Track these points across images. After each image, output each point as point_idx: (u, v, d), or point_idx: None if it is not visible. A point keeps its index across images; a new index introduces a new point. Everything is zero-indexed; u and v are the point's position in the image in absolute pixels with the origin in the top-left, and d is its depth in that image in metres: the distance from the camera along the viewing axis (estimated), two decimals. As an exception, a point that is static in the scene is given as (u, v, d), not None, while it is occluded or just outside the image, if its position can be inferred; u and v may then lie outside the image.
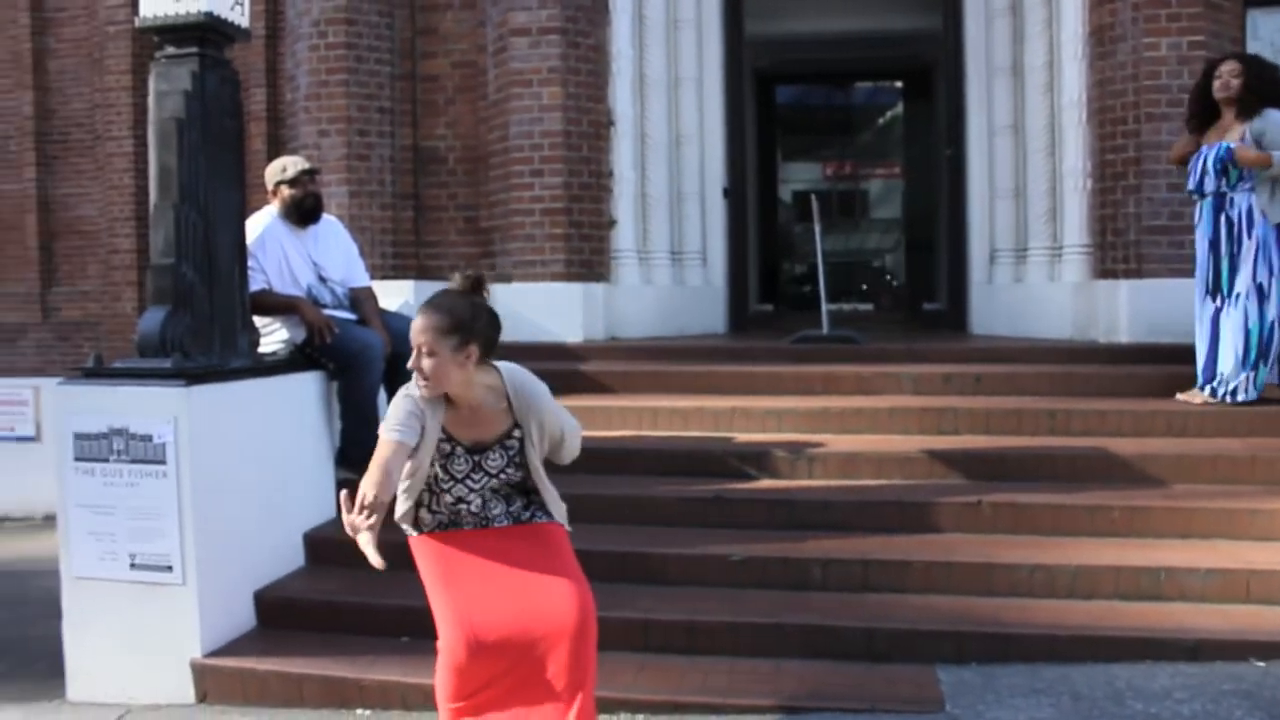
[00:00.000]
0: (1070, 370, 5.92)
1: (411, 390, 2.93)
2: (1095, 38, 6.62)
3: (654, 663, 3.96)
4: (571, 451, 3.12)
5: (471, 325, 2.84)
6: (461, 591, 2.96)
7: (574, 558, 3.07)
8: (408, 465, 2.93)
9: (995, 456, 5.05)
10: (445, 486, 3.03)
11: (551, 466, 3.17)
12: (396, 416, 2.91)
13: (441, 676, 2.99)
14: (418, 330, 2.82)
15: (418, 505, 3.08)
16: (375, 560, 2.65)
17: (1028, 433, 5.33)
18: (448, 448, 2.98)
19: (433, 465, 3.00)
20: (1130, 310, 6.38)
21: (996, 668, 3.84)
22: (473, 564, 2.99)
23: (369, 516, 2.64)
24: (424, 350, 2.82)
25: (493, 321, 2.94)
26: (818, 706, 3.63)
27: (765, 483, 5.01)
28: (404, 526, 3.12)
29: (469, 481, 3.00)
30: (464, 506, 3.05)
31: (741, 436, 5.41)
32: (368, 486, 2.71)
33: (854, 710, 3.60)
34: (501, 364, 3.01)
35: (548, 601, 2.90)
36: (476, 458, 2.98)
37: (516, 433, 2.97)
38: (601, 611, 3.95)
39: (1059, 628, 3.93)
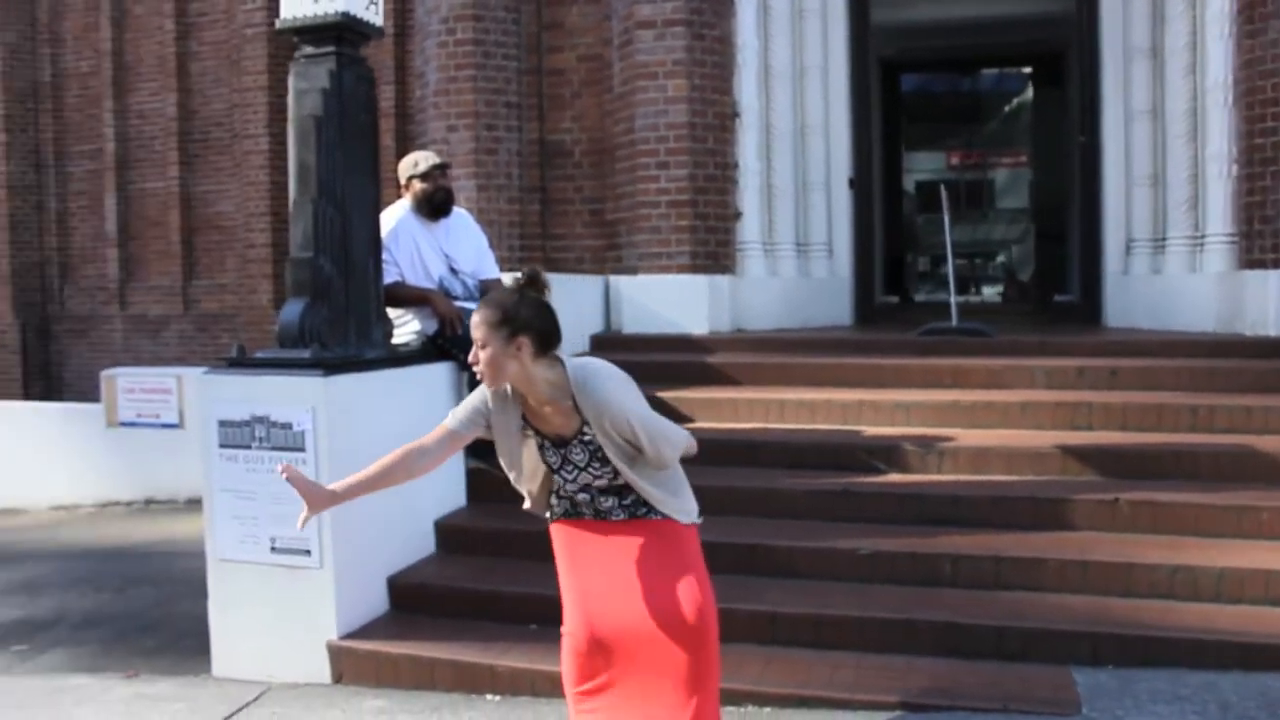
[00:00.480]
0: (1213, 364, 5.70)
1: (480, 397, 3.02)
2: (1244, 15, 6.31)
3: (781, 656, 3.96)
4: (661, 460, 2.95)
5: (518, 317, 2.84)
6: (583, 581, 3.02)
7: (698, 555, 3.04)
8: (503, 455, 3.03)
9: (1133, 453, 4.90)
10: (552, 473, 3.05)
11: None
12: (462, 405, 3.06)
13: (565, 660, 3.07)
14: (473, 326, 2.87)
15: (548, 493, 3.12)
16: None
17: (1167, 429, 5.15)
18: (536, 440, 3.01)
19: (527, 457, 3.04)
20: (1280, 302, 6.10)
21: (1135, 671, 3.74)
22: (595, 556, 3.02)
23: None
24: (479, 344, 2.86)
25: (543, 314, 2.91)
26: (949, 705, 3.58)
27: (894, 476, 4.95)
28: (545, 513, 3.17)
29: (564, 472, 3.00)
30: (577, 496, 3.05)
31: (869, 429, 5.35)
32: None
33: (986, 710, 3.55)
34: (573, 360, 2.96)
35: (663, 602, 2.91)
36: (562, 451, 2.97)
37: (587, 430, 2.92)
38: (728, 604, 3.98)
39: (1204, 632, 3.81)
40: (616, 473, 2.95)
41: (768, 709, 3.70)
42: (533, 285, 2.96)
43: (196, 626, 4.78)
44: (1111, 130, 7.45)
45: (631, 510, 3.02)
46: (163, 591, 5.72)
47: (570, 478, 2.99)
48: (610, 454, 2.91)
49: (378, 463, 3.06)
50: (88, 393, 11.81)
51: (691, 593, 2.91)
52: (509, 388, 2.95)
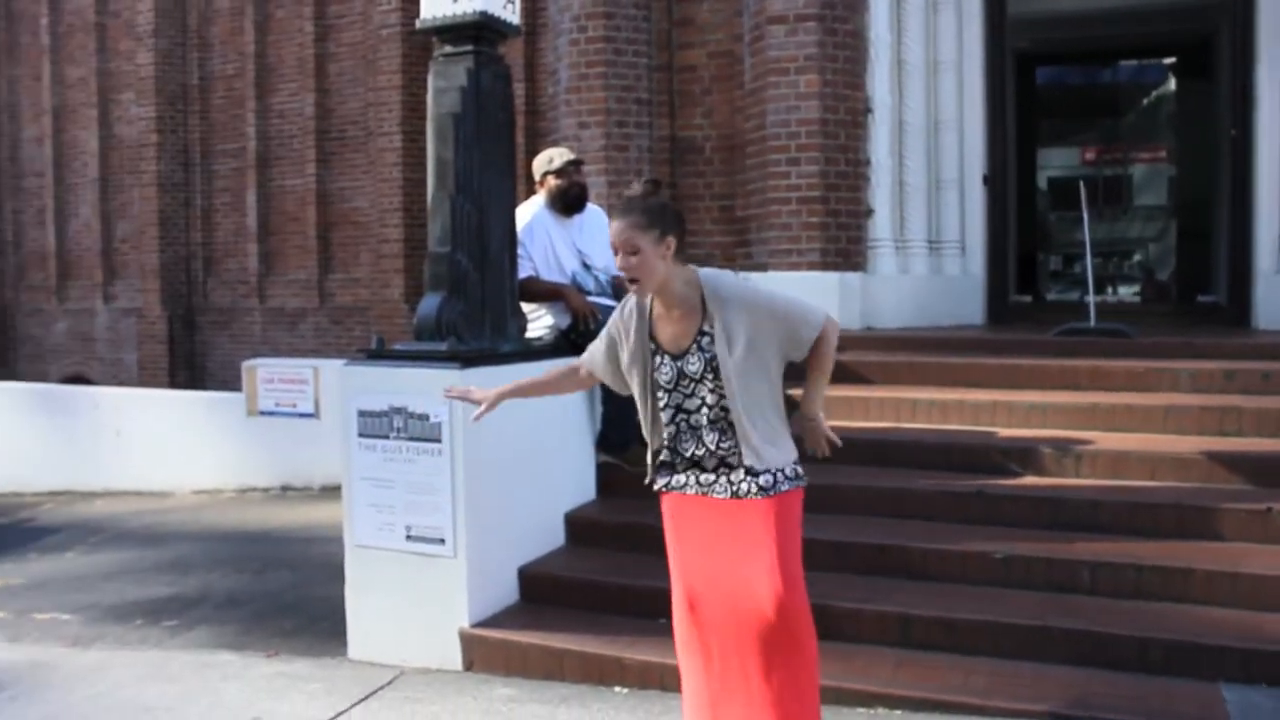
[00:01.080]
0: (1374, 369, 5.41)
1: (613, 323, 3.21)
2: None
3: (912, 659, 3.91)
4: (799, 342, 3.05)
5: (665, 218, 2.99)
6: (685, 553, 3.12)
7: (794, 536, 3.05)
8: (635, 384, 3.18)
9: (1287, 461, 4.68)
10: (660, 405, 3.12)
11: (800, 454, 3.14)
12: (593, 346, 3.33)
13: (675, 624, 3.16)
14: (617, 233, 2.97)
15: (655, 454, 3.20)
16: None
17: (1325, 437, 4.91)
18: (656, 359, 3.10)
19: (647, 381, 3.13)
20: None
21: (1291, 691, 3.57)
22: (696, 532, 3.10)
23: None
24: (627, 250, 2.95)
25: (680, 217, 3.09)
26: (1088, 716, 3.49)
27: (1029, 480, 4.83)
28: (656, 482, 3.23)
29: (678, 391, 3.06)
30: (682, 441, 3.10)
31: (1003, 431, 5.22)
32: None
33: (1127, 722, 3.44)
34: (698, 268, 3.11)
35: (746, 588, 2.96)
36: (678, 364, 3.05)
37: (707, 328, 3.01)
38: (859, 604, 3.97)
39: (1370, 651, 3.62)
40: (722, 397, 3.00)
41: (898, 712, 3.65)
42: (655, 193, 3.11)
43: (331, 609, 4.94)
44: (1267, 122, 7.11)
45: (735, 489, 3.04)
46: (299, 575, 5.92)
47: (687, 392, 3.05)
48: (723, 350, 2.97)
49: (541, 374, 3.58)
50: (229, 382, 12.26)
51: (773, 585, 2.92)
52: (642, 302, 3.10)
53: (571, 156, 5.28)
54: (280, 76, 12.89)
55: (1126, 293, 21.80)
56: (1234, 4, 7.58)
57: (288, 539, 6.83)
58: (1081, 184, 7.62)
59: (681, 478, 3.14)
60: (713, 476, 3.09)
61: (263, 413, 8.61)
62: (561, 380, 3.50)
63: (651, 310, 3.10)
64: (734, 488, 3.05)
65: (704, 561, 3.06)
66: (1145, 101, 26.12)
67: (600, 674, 4.08)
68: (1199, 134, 12.72)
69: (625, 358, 3.18)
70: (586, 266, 5.29)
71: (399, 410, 4.41)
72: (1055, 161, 26.36)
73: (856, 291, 7.04)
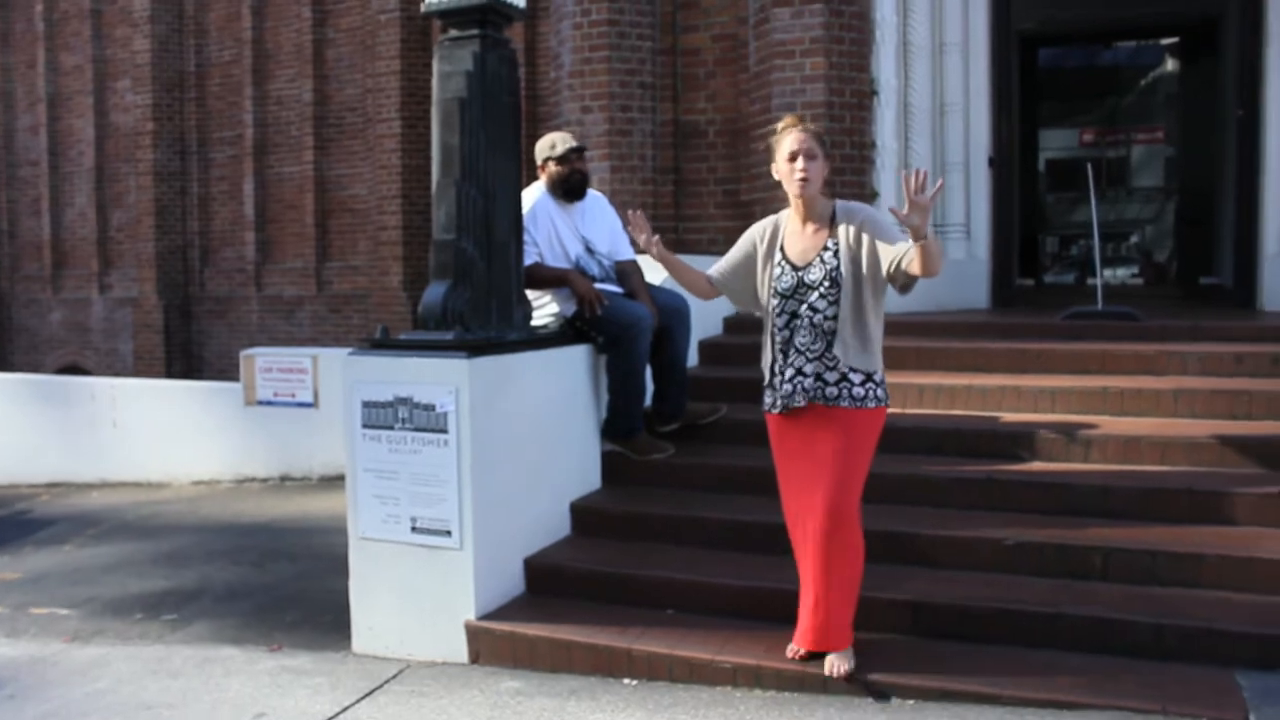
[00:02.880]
0: (1384, 351, 5.37)
1: (751, 236, 3.92)
2: None
3: (924, 647, 3.87)
4: (904, 246, 3.55)
5: (824, 141, 3.78)
6: (782, 465, 3.85)
7: (864, 450, 3.71)
8: (761, 289, 3.84)
9: (1298, 445, 4.63)
10: (775, 310, 3.75)
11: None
12: (725, 259, 4.01)
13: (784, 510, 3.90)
14: (801, 139, 3.67)
15: (770, 368, 3.80)
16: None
17: (1337, 420, 4.87)
18: (779, 270, 3.75)
19: (768, 290, 3.79)
20: None
21: (1307, 677, 3.54)
22: (790, 448, 3.78)
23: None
24: (808, 155, 3.66)
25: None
26: (1102, 704, 3.46)
27: (1039, 465, 4.79)
28: (765, 401, 3.85)
29: (795, 297, 3.69)
30: (790, 345, 3.71)
31: (1012, 416, 5.18)
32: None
33: (1143, 711, 3.41)
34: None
35: (811, 500, 3.66)
36: (799, 273, 3.71)
37: (832, 243, 3.69)
38: (870, 592, 3.93)
39: (1386, 637, 3.58)
40: (835, 305, 3.65)
41: (911, 701, 3.61)
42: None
43: (334, 602, 4.89)
44: (1274, 103, 7.05)
45: (828, 396, 3.66)
46: (300, 567, 5.86)
47: (801, 298, 3.68)
48: (844, 268, 3.65)
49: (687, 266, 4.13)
50: (226, 371, 12.24)
51: (828, 497, 3.63)
52: (778, 221, 3.85)
53: (574, 143, 5.21)
54: (278, 63, 12.83)
55: (1125, 274, 21.78)
56: (1242, -17, 7.52)
57: (288, 530, 6.77)
58: (1089, 166, 7.57)
59: (788, 387, 3.70)
60: (811, 379, 3.66)
61: (261, 402, 8.54)
62: (696, 278, 4.06)
63: (784, 228, 3.80)
64: (828, 390, 3.66)
65: (793, 469, 3.76)
66: (1143, 83, 26.06)
67: (609, 666, 4.04)
68: (1200, 114, 12.63)
69: (758, 263, 3.82)
70: (590, 251, 5.23)
71: (404, 401, 4.36)
72: (1054, 143, 26.30)
73: (861, 275, 6.95)
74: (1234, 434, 4.72)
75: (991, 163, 7.68)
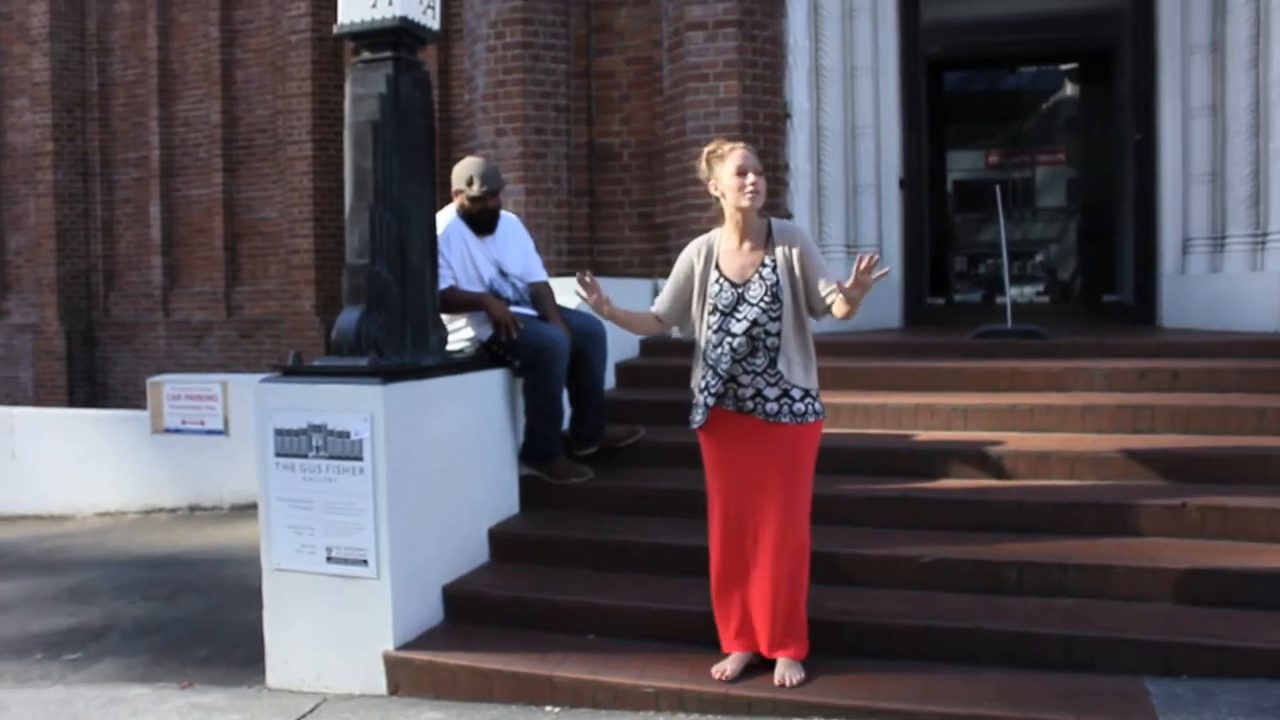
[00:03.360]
0: (1278, 366, 5.56)
1: (687, 257, 3.94)
2: (1311, 8, 6.19)
3: (845, 665, 3.89)
4: (817, 300, 3.77)
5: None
6: (719, 478, 3.87)
7: (809, 463, 3.83)
8: (697, 309, 3.88)
9: (1198, 457, 4.78)
10: (713, 328, 3.77)
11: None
12: (665, 289, 4.03)
13: (710, 524, 3.94)
14: (747, 156, 3.77)
15: (699, 390, 3.83)
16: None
17: (1233, 432, 5.03)
18: (716, 287, 3.79)
19: (704, 307, 3.83)
20: (1344, 301, 5.96)
21: (1212, 683, 3.63)
22: (729, 457, 3.82)
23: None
24: (755, 170, 3.75)
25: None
26: (1019, 716, 3.49)
27: (953, 482, 4.86)
28: (693, 416, 3.87)
29: (735, 314, 3.73)
30: (725, 362, 3.73)
31: (926, 434, 5.27)
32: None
33: (1059, 721, 3.46)
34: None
35: (757, 511, 3.77)
36: (738, 290, 3.76)
37: (769, 259, 3.76)
38: (791, 612, 3.92)
39: (1283, 641, 3.69)
40: (777, 321, 3.71)
41: (834, 720, 3.63)
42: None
43: (248, 636, 4.77)
44: (1169, 127, 7.32)
45: (769, 413, 3.73)
46: (212, 600, 5.71)
47: (739, 316, 3.72)
48: (784, 285, 3.73)
49: (631, 312, 4.14)
50: (132, 399, 11.91)
51: (777, 513, 3.77)
52: (711, 240, 3.89)
53: (493, 187, 5.12)
54: (185, 83, 12.57)
55: (1031, 292, 22.29)
56: (1136, 14, 7.78)
57: (198, 562, 6.60)
58: (997, 188, 7.75)
59: (725, 402, 3.77)
60: (749, 392, 3.74)
61: (169, 430, 8.35)
62: (644, 320, 4.11)
63: (719, 246, 3.84)
64: (768, 405, 3.73)
65: (736, 482, 3.80)
66: (1044, 106, 26.77)
67: (530, 693, 3.99)
68: (1100, 138, 13.03)
69: (696, 284, 3.86)
70: (503, 274, 5.19)
71: (318, 428, 4.28)
72: (961, 165, 26.88)
73: (774, 296, 7.01)
74: (1138, 448, 4.85)
75: (902, 184, 7.83)
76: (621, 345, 6.39)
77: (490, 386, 5.00)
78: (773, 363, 3.73)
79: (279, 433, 4.36)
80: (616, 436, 5.39)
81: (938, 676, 3.78)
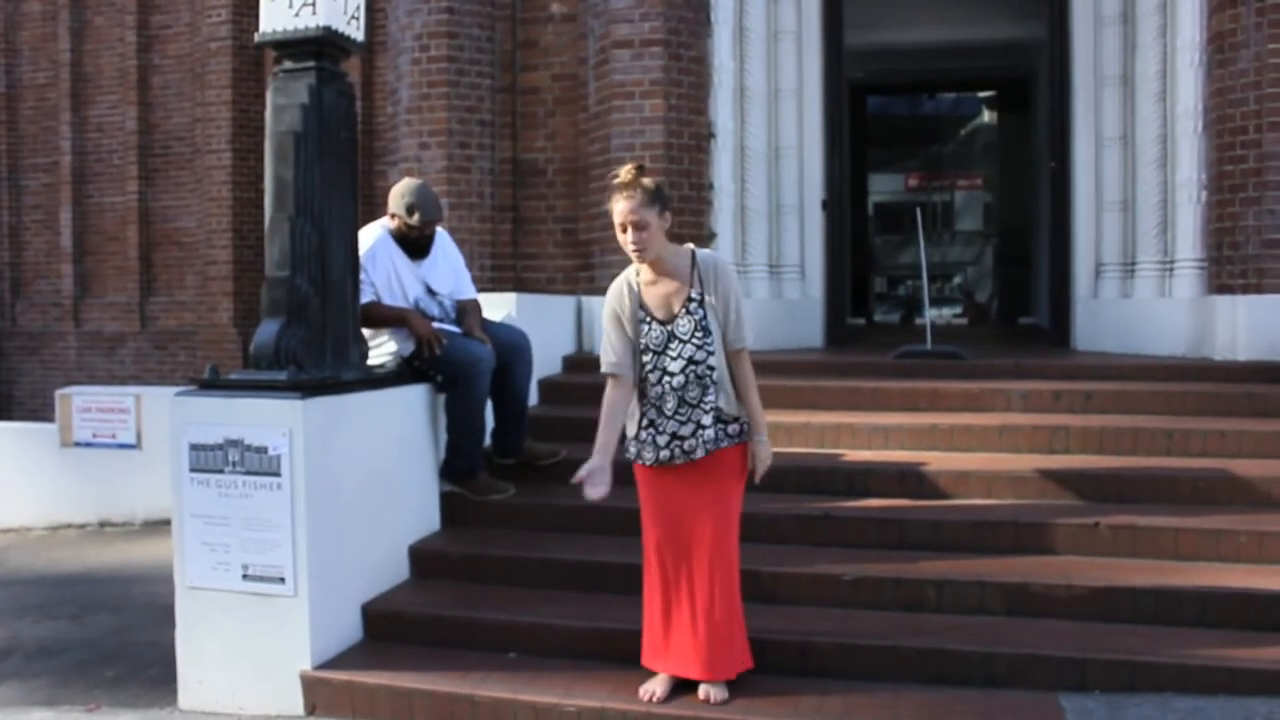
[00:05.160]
0: (1186, 389, 5.73)
1: (611, 306, 3.75)
2: (1214, 45, 6.41)
3: (768, 684, 3.89)
4: (740, 336, 3.69)
5: (662, 195, 3.66)
6: (655, 502, 3.78)
7: (736, 487, 3.78)
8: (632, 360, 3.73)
9: (1111, 476, 4.90)
10: (647, 368, 3.69)
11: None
12: (606, 346, 3.75)
13: (645, 557, 3.86)
14: (628, 212, 3.57)
15: (641, 424, 3.73)
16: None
17: (1144, 452, 5.17)
18: (645, 326, 3.69)
19: (639, 347, 3.70)
20: (1249, 327, 6.16)
21: (1123, 697, 3.72)
22: (664, 497, 3.74)
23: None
24: (637, 226, 3.57)
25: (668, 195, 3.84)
26: (939, 733, 3.54)
27: (874, 501, 4.92)
28: (628, 448, 3.79)
29: (668, 353, 3.65)
30: (664, 400, 3.66)
31: (848, 453, 5.32)
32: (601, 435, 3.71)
33: (977, 738, 3.51)
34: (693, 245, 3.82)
35: (692, 533, 3.72)
36: (669, 328, 3.66)
37: (695, 294, 3.65)
38: (714, 630, 3.92)
39: (1188, 656, 3.79)
40: (712, 354, 3.64)
41: (756, 738, 3.64)
42: (643, 173, 3.67)
43: (159, 655, 4.65)
44: (1082, 156, 7.53)
45: (708, 443, 3.65)
46: (122, 619, 5.55)
47: (673, 354, 3.64)
48: (713, 318, 3.64)
49: (608, 421, 3.73)
50: (39, 412, 11.58)
51: (710, 531, 3.73)
52: (628, 280, 3.73)
53: (432, 217, 5.04)
54: (99, 87, 12.28)
55: (950, 314, 22.71)
56: (1052, 45, 7.99)
57: (108, 579, 6.41)
58: (918, 211, 7.89)
59: (662, 439, 3.67)
60: (690, 428, 3.65)
61: (78, 444, 8.12)
62: (622, 405, 3.76)
63: (640, 282, 3.71)
64: (705, 435, 3.64)
65: (670, 512, 3.73)
66: (964, 132, 27.37)
67: (451, 713, 3.93)
68: (1017, 164, 13.37)
69: (629, 327, 3.71)
70: (430, 292, 5.14)
71: (235, 443, 4.19)
72: (882, 187, 27.36)
73: (699, 315, 7.04)
74: (1054, 467, 4.95)
75: (825, 205, 7.93)
76: (545, 362, 6.36)
77: (412, 402, 4.94)
78: (714, 396, 3.67)
79: (194, 447, 4.26)
80: (538, 455, 5.36)
81: (859, 693, 3.80)
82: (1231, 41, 6.27)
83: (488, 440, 5.29)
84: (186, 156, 11.85)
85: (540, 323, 6.29)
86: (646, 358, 3.70)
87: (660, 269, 3.68)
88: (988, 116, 23.20)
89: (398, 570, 4.78)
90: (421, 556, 4.87)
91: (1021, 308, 12.54)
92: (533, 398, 5.90)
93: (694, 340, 3.64)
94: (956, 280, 29.82)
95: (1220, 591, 4.07)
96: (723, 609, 3.74)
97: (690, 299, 3.66)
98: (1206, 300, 6.54)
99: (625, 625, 4.05)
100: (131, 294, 12.14)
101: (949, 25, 11.10)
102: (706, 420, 3.66)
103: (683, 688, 3.82)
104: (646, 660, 3.87)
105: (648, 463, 3.73)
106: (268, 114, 4.44)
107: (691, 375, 3.65)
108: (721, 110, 7.35)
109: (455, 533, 5.10)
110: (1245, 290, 6.24)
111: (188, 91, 11.74)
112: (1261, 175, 6.16)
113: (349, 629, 4.41)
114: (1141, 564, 4.38)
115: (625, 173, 3.66)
